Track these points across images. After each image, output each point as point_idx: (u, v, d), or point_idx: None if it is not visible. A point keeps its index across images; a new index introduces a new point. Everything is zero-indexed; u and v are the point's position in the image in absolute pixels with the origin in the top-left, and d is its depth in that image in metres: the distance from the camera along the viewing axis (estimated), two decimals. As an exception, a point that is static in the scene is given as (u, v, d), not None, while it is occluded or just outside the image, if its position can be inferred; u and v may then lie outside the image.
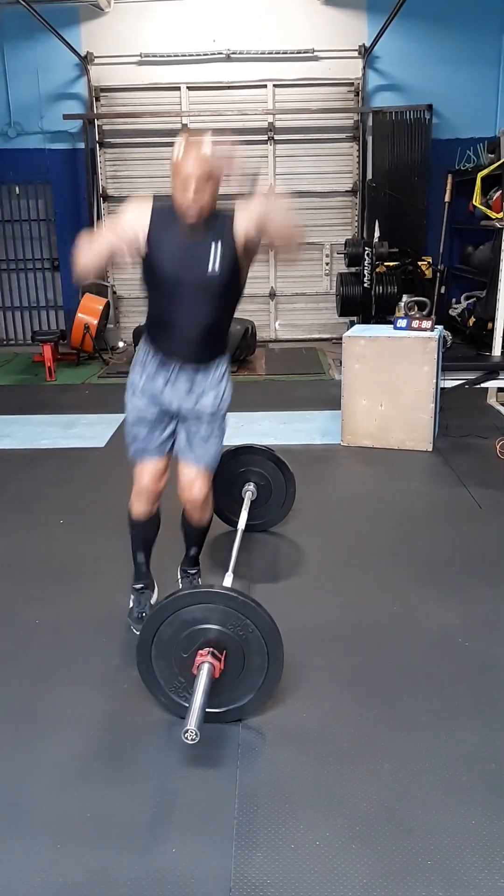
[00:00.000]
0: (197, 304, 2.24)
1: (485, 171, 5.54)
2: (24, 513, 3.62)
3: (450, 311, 7.24)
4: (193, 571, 2.73)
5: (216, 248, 2.19)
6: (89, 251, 2.14)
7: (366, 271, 6.30)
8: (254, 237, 2.20)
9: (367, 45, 7.11)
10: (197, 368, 2.34)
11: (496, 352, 5.09)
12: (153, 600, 2.61)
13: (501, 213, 5.07)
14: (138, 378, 2.39)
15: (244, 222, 2.18)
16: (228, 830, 1.72)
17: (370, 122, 7.31)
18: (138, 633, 2.41)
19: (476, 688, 2.21)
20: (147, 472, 2.45)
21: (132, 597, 2.60)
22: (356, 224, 7.73)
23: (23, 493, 3.87)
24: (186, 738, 1.74)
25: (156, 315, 2.32)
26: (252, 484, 3.12)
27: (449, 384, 4.64)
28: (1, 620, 2.64)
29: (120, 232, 2.16)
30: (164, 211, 2.22)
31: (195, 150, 2.09)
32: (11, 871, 1.64)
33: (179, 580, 2.74)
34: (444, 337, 4.62)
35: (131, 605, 2.60)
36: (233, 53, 7.28)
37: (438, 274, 6.89)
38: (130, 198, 2.24)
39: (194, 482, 2.43)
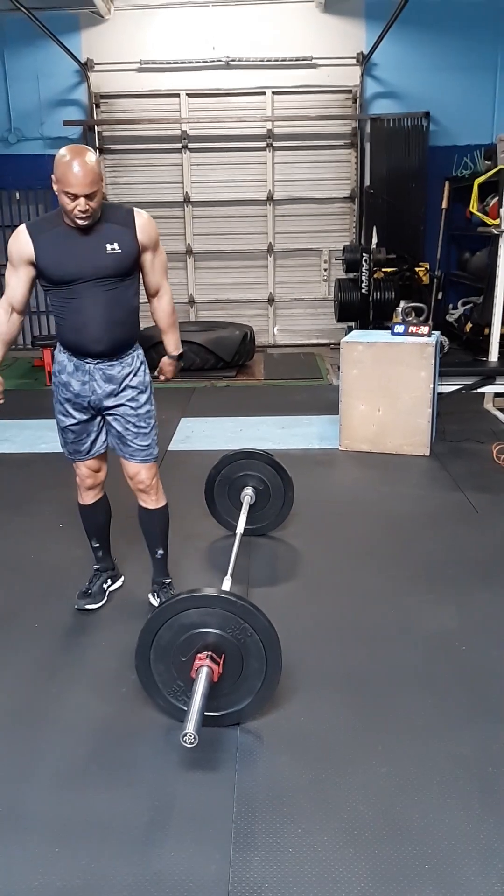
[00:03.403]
0: (96, 294, 2.31)
1: (482, 178, 5.56)
2: (23, 516, 3.63)
3: (447, 317, 7.27)
4: (167, 581, 2.70)
5: (111, 236, 2.28)
6: (4, 305, 2.39)
7: (364, 277, 6.32)
8: (143, 249, 2.36)
9: (366, 52, 7.16)
10: (111, 364, 2.42)
11: (493, 357, 5.12)
12: (114, 587, 2.79)
13: (498, 220, 5.09)
14: (58, 386, 2.49)
15: (145, 230, 2.33)
16: (226, 834, 1.73)
17: (368, 129, 7.34)
18: (77, 609, 2.62)
19: (473, 691, 2.22)
20: (82, 470, 2.64)
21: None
22: (354, 230, 7.76)
23: (22, 497, 3.88)
24: (185, 742, 1.75)
25: (62, 317, 2.38)
26: (250, 488, 3.13)
27: (446, 389, 4.66)
28: (0, 623, 2.65)
29: (17, 270, 2.34)
30: (42, 224, 2.32)
31: (78, 163, 2.13)
32: (9, 874, 1.64)
33: (151, 594, 2.71)
34: (441, 342, 4.64)
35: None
36: (232, 61, 7.32)
37: (436, 280, 6.92)
38: (10, 241, 2.36)
39: (138, 473, 2.55)
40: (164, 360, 2.63)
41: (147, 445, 2.51)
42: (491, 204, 5.89)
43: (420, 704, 2.16)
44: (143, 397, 2.48)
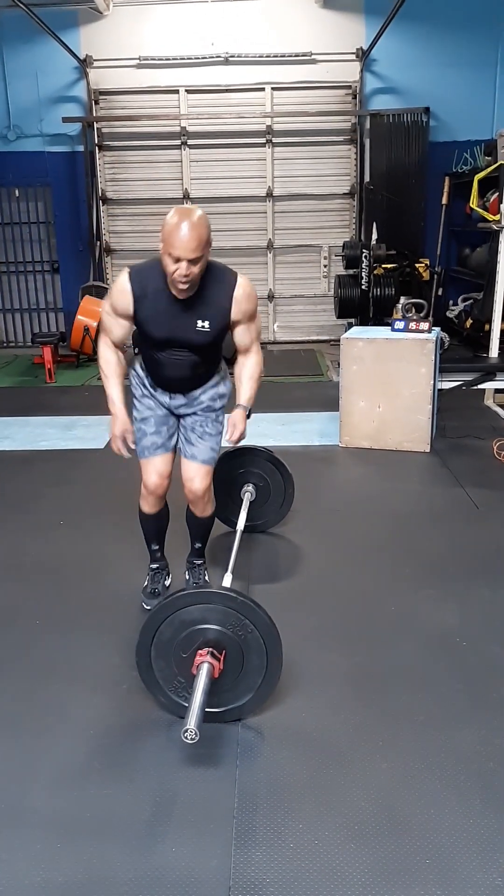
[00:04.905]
0: (181, 356, 2.41)
1: (482, 174, 5.55)
2: (23, 514, 3.63)
3: (447, 313, 7.27)
4: (199, 562, 2.85)
5: (206, 310, 2.33)
6: (106, 343, 2.46)
7: (364, 273, 6.32)
8: (235, 324, 2.42)
9: (365, 48, 7.14)
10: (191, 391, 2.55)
11: (493, 353, 5.12)
12: (167, 582, 2.83)
13: (498, 216, 5.08)
14: (141, 385, 2.57)
15: (240, 307, 2.36)
16: (228, 830, 1.73)
17: (368, 125, 7.33)
18: (148, 608, 2.62)
19: (474, 687, 2.22)
20: (153, 469, 2.58)
21: (148, 576, 2.79)
22: (354, 226, 7.75)
23: (22, 495, 3.88)
24: (186, 738, 1.75)
25: (148, 359, 2.50)
26: (251, 485, 3.13)
27: (446, 385, 4.65)
28: (2, 621, 2.65)
29: (118, 319, 2.40)
30: (146, 277, 2.31)
31: (186, 226, 2.10)
32: (12, 870, 1.64)
33: (186, 572, 2.85)
34: (441, 338, 4.64)
35: (146, 583, 2.78)
36: (231, 57, 7.30)
37: (436, 276, 6.91)
38: (115, 281, 2.39)
39: (195, 476, 2.59)
40: (235, 413, 2.52)
41: (210, 448, 2.59)
42: (491, 199, 5.88)
43: (420, 700, 2.17)
44: (218, 404, 2.59)
